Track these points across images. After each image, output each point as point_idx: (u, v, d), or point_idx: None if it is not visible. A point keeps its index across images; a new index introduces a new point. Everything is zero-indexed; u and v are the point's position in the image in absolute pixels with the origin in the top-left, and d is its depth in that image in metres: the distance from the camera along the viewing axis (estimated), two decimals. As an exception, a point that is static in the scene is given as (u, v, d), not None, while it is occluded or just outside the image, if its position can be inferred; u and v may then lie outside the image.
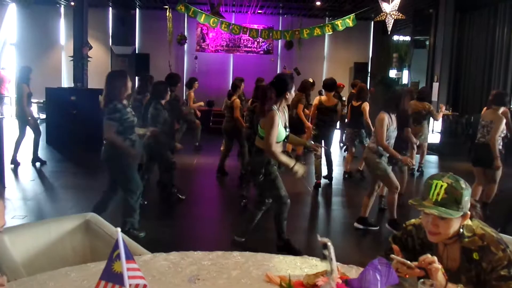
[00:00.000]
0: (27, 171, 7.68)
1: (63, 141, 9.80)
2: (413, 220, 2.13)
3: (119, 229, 1.40)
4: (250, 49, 16.17)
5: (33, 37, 14.99)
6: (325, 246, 1.71)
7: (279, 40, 14.89)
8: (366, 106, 7.41)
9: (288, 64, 15.46)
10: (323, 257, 1.72)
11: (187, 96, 10.98)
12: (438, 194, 1.85)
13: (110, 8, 15.45)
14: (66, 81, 14.70)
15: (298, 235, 5.21)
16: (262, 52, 16.22)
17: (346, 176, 7.98)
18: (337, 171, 8.08)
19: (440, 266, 1.76)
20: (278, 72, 15.39)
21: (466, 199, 1.87)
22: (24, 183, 7.11)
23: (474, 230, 1.91)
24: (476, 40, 12.11)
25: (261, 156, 4.23)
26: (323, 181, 7.40)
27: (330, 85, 7.18)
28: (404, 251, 2.10)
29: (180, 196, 6.28)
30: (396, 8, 9.15)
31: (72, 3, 12.56)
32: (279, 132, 4.07)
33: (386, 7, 9.32)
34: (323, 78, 15.35)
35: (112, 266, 1.47)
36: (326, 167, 7.46)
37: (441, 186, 1.85)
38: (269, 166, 4.26)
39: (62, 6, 15.24)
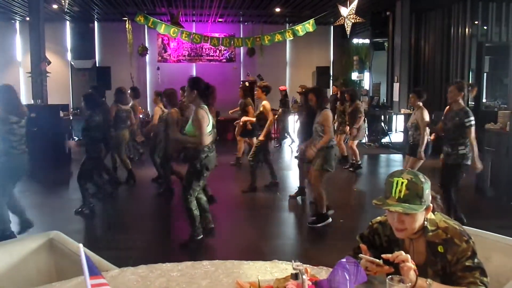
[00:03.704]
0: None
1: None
2: (378, 218, 2.16)
3: (81, 245, 1.36)
4: (212, 58, 16.16)
5: (-12, 55, 14.60)
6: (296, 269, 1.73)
7: (241, 48, 14.94)
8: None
9: (251, 71, 15.52)
10: (295, 277, 1.72)
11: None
12: (400, 191, 1.88)
13: (68, 22, 15.17)
14: (25, 98, 14.33)
15: (271, 240, 5.22)
16: (224, 60, 16.22)
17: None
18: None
19: (413, 265, 1.79)
20: (241, 79, 15.43)
21: (427, 192, 1.91)
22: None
23: (437, 224, 1.95)
24: (432, 40, 12.44)
25: None
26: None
27: None
28: (372, 248, 2.12)
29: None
30: (354, 11, 9.32)
31: (28, 18, 12.28)
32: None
33: (343, 11, 9.48)
34: (287, 83, 15.63)
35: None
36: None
37: (402, 182, 1.88)
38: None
39: (17, 21, 14.88)
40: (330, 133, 5.44)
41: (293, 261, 1.79)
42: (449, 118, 5.23)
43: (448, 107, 5.38)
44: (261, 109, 7.62)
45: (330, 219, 5.62)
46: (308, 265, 2.03)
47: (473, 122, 5.04)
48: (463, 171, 5.14)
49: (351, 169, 9.07)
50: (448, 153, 5.17)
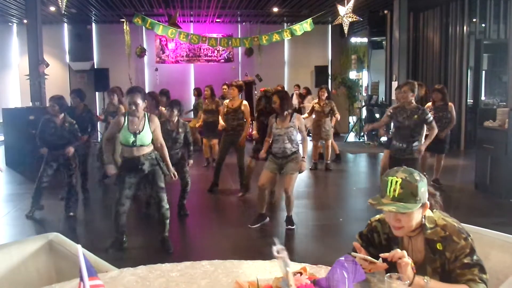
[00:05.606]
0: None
1: (23, 162, 9.52)
2: (377, 216, 2.16)
3: (79, 246, 1.36)
4: (210, 58, 16.15)
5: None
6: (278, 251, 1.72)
7: (239, 48, 14.93)
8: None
9: (250, 71, 15.51)
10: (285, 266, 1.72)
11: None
12: (394, 190, 1.88)
13: (65, 24, 15.16)
14: (24, 101, 14.31)
15: (267, 239, 5.21)
16: (222, 60, 16.22)
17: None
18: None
19: (410, 261, 1.79)
20: (239, 79, 15.42)
21: (423, 190, 1.91)
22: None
23: (436, 221, 1.95)
24: (430, 38, 12.46)
25: None
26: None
27: None
28: (372, 247, 2.13)
29: None
30: (351, 10, 9.31)
31: (25, 21, 12.26)
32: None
33: (341, 9, 9.47)
34: (286, 83, 15.63)
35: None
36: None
37: (396, 181, 1.89)
38: None
39: (15, 24, 14.86)
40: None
41: (274, 245, 1.75)
42: (404, 116, 5.46)
43: (396, 106, 5.69)
44: (242, 108, 7.12)
45: (268, 219, 5.66)
46: (307, 264, 2.03)
47: (432, 117, 5.54)
48: (417, 164, 5.45)
49: (311, 168, 9.06)
50: (403, 149, 5.44)
